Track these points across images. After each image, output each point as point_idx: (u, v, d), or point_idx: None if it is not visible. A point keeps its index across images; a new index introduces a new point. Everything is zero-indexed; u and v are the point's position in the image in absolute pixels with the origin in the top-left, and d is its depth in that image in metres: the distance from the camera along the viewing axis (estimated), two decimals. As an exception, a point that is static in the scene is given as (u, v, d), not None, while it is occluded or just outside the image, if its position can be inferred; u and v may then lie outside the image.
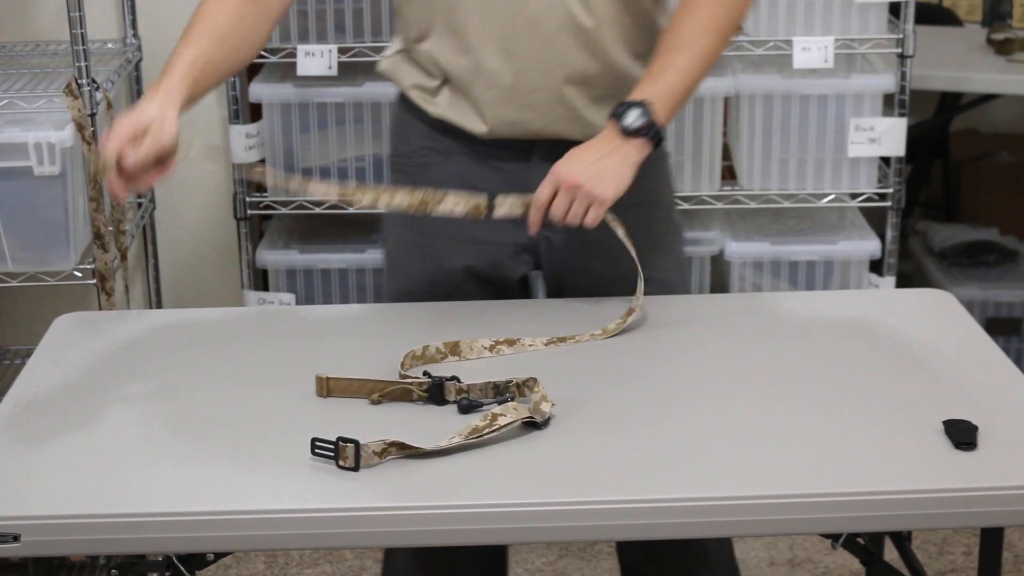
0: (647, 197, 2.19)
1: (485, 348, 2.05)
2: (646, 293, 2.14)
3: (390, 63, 2.29)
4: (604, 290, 2.22)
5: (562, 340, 2.07)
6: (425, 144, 2.25)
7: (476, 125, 2.18)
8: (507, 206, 2.10)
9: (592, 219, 2.03)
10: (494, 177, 2.21)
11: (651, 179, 2.19)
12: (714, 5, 2.08)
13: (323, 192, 2.13)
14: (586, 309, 2.19)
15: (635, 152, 2.04)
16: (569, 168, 2.04)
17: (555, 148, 2.12)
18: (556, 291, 2.29)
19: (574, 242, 2.22)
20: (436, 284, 2.24)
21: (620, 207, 2.07)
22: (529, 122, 2.16)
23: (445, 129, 2.22)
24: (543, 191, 2.05)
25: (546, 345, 2.06)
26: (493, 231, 2.22)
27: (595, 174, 2.02)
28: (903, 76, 3.08)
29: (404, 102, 2.28)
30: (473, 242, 2.24)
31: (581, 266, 2.25)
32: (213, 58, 2.07)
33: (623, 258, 2.11)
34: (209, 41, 2.07)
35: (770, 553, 3.14)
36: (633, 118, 2.03)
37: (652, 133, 2.04)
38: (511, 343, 2.06)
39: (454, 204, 2.09)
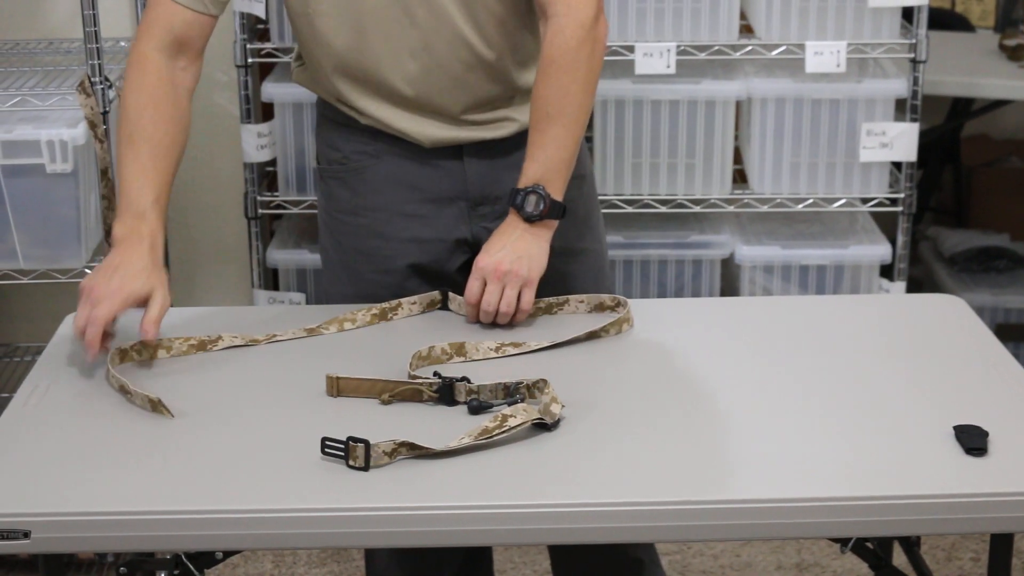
0: (577, 170, 2.21)
1: (491, 349, 2.05)
2: (586, 265, 2.28)
3: (306, 76, 2.29)
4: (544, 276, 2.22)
5: (567, 343, 2.07)
6: (356, 149, 2.27)
7: (408, 133, 2.22)
8: (457, 303, 2.17)
9: (527, 301, 2.11)
10: (430, 173, 2.25)
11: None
12: (571, 65, 2.10)
13: (289, 336, 2.12)
14: (591, 312, 2.19)
15: (545, 232, 2.13)
16: (491, 258, 2.10)
17: (483, 146, 2.22)
18: None
19: None
20: (381, 285, 2.25)
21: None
22: (447, 138, 2.22)
23: (375, 133, 2.24)
24: (473, 286, 2.12)
25: (552, 347, 2.06)
26: (434, 229, 2.25)
27: (516, 258, 2.10)
28: (915, 81, 3.08)
29: (328, 108, 2.29)
30: (415, 241, 2.26)
31: None
32: (166, 172, 2.09)
33: (555, 242, 2.15)
34: (155, 159, 2.08)
35: (778, 557, 3.14)
36: (532, 206, 2.11)
37: (554, 212, 2.11)
38: (517, 345, 2.06)
39: (409, 308, 2.17)
